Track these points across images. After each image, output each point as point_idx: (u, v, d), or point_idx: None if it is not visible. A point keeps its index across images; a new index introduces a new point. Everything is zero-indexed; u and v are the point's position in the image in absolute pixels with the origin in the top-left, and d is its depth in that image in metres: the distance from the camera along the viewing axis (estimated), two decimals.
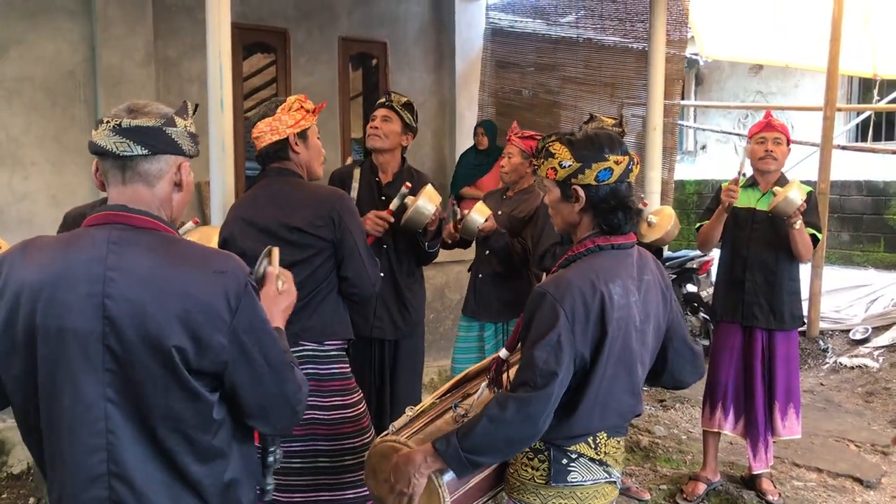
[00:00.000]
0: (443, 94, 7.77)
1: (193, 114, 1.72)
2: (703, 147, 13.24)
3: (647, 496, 4.14)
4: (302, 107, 2.81)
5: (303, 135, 2.80)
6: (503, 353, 2.15)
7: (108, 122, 1.61)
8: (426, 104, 7.64)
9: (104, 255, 1.55)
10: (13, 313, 1.55)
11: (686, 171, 12.52)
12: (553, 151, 2.05)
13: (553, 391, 1.90)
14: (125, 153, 1.60)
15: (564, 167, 2.02)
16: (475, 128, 6.99)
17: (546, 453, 2.04)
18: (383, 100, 3.52)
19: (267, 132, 2.76)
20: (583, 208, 2.04)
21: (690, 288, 7.42)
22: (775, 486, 4.20)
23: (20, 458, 4.35)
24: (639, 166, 2.10)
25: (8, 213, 5.31)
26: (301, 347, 2.70)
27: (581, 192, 2.02)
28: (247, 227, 2.75)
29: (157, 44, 5.94)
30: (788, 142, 3.91)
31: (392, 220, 3.24)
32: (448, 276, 5.78)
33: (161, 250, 1.58)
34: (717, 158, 12.27)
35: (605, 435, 2.07)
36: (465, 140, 7.60)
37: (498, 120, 7.40)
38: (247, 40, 6.68)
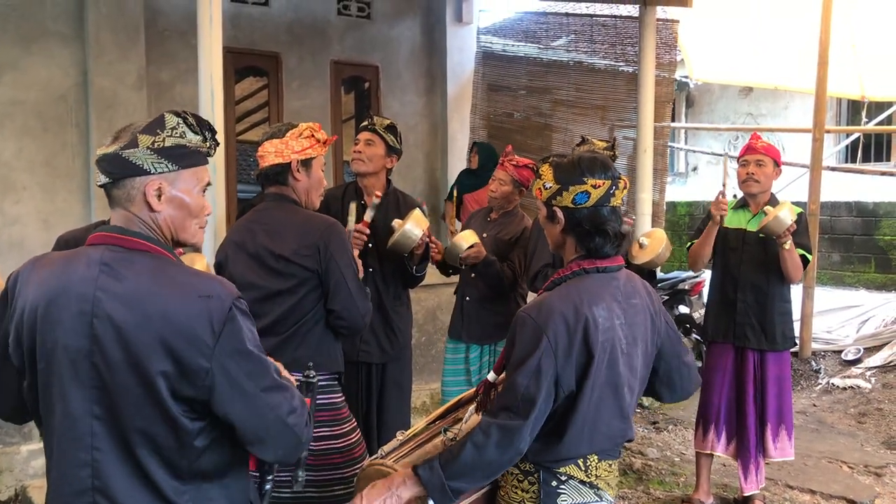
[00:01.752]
0: (434, 117, 7.80)
1: (194, 123, 1.67)
2: (695, 168, 13.30)
3: None
4: (313, 135, 2.79)
5: (307, 163, 2.77)
6: (491, 376, 2.14)
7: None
8: (418, 127, 7.68)
9: (95, 275, 1.57)
10: (20, 329, 1.61)
11: (677, 192, 12.58)
12: (541, 172, 2.09)
13: (533, 417, 1.90)
14: (99, 183, 1.66)
15: (547, 188, 2.06)
16: (470, 148, 7.06)
17: (536, 475, 2.04)
18: (366, 123, 3.52)
19: (271, 153, 2.74)
20: (563, 230, 2.06)
21: (682, 309, 7.43)
22: None
23: (8, 483, 4.31)
24: (625, 190, 2.10)
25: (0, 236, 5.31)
26: None
27: (559, 214, 2.05)
28: (237, 252, 2.74)
29: (149, 68, 5.97)
30: (777, 163, 3.93)
31: (368, 232, 3.23)
32: (440, 299, 5.77)
33: (149, 273, 1.58)
34: (709, 180, 12.33)
35: (595, 458, 2.06)
36: (456, 162, 7.64)
37: (491, 142, 7.43)
38: (239, 64, 6.71)
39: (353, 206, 3.23)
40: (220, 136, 3.86)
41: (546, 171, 2.07)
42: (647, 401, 6.24)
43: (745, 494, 4.11)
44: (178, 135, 1.64)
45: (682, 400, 2.35)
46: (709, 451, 4.11)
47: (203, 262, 2.48)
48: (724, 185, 3.95)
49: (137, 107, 5.80)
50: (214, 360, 1.55)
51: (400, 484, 1.96)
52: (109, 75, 5.67)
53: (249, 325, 1.63)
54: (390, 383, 3.53)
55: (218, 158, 3.86)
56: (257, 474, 1.82)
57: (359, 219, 3.26)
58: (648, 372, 2.16)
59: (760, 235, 3.86)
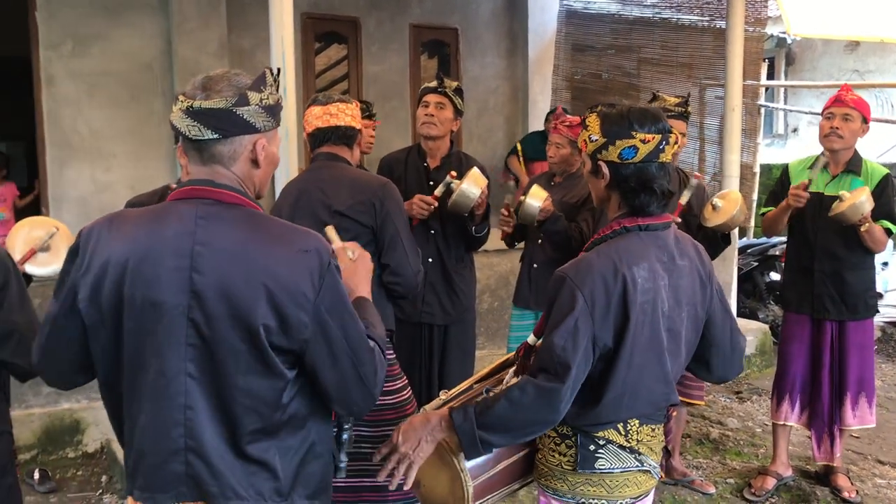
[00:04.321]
0: (515, 79, 7.66)
1: (276, 80, 1.67)
2: (795, 130, 12.66)
3: (712, 490, 4.00)
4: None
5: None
6: (531, 338, 2.09)
7: (182, 101, 1.58)
8: (498, 90, 7.56)
9: (192, 229, 1.55)
10: (99, 285, 1.56)
11: (776, 154, 12.01)
12: (588, 123, 2.00)
13: (571, 378, 1.84)
14: (197, 137, 1.58)
15: (592, 141, 1.96)
16: (548, 114, 6.87)
17: (573, 439, 1.98)
18: (435, 85, 3.48)
19: (349, 115, 2.82)
20: (608, 185, 1.97)
21: (773, 276, 7.14)
22: (853, 483, 4.00)
23: (94, 437, 4.56)
24: (676, 146, 1.99)
25: (91, 203, 5.54)
26: None
27: (605, 169, 1.95)
28: (294, 210, 2.78)
29: (230, 36, 6.08)
30: (866, 119, 3.67)
31: (436, 203, 3.22)
32: (513, 264, 5.67)
33: (247, 227, 1.58)
34: (809, 141, 11.70)
35: (636, 422, 1.99)
36: (538, 125, 7.47)
37: (572, 104, 7.26)
38: (319, 30, 6.76)
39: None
40: (292, 100, 3.96)
41: (593, 121, 1.97)
42: None
43: (819, 464, 3.94)
44: (275, 92, 1.66)
45: (726, 380, 2.23)
46: (783, 422, 3.95)
47: None
48: (817, 167, 3.70)
49: None
50: (313, 314, 1.56)
51: (436, 425, 1.95)
52: (192, 44, 5.81)
53: (341, 280, 1.64)
54: (453, 345, 3.53)
55: (290, 122, 3.91)
56: (336, 425, 1.84)
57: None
58: (697, 337, 2.06)
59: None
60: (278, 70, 1.70)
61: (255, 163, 1.64)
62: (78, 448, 4.56)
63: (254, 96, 1.59)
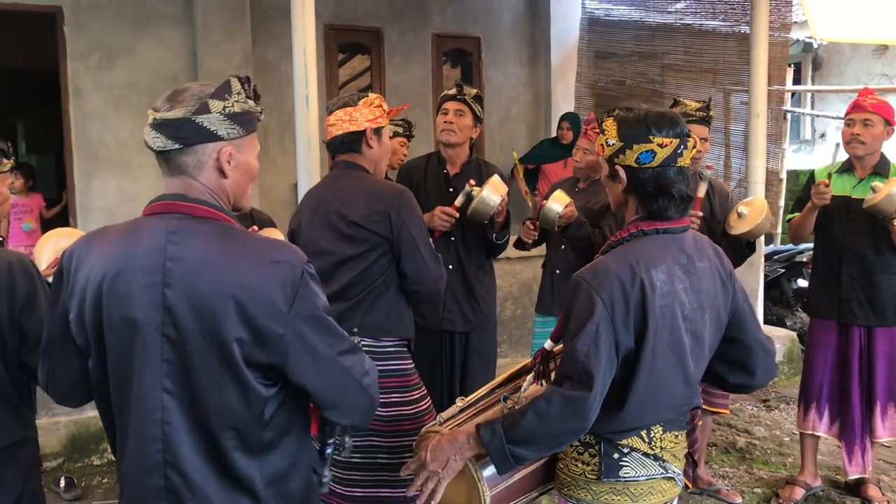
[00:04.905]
0: (538, 87, 7.66)
1: (245, 87, 1.65)
2: (823, 135, 12.50)
3: (738, 499, 3.94)
4: (381, 105, 2.81)
5: (378, 131, 2.78)
6: (548, 344, 2.08)
7: (150, 115, 1.59)
8: (521, 98, 7.57)
9: (163, 245, 1.55)
10: (83, 305, 1.58)
11: (803, 160, 11.86)
12: (605, 127, 1.98)
13: (597, 385, 1.82)
14: (161, 148, 1.58)
15: (609, 145, 1.94)
16: (560, 121, 6.84)
17: (597, 447, 1.96)
18: (454, 92, 3.48)
19: (346, 121, 2.74)
20: (625, 189, 1.95)
21: (801, 283, 7.04)
22: (884, 494, 3.92)
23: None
24: (695, 150, 1.97)
25: (117, 213, 5.61)
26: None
27: (622, 173, 1.93)
28: (311, 219, 2.78)
29: (255, 47, 6.15)
30: (889, 122, 3.61)
31: (457, 215, 3.21)
32: (535, 271, 5.67)
33: (218, 240, 1.57)
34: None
35: (660, 429, 1.97)
36: None
37: (596, 111, 7.21)
38: (342, 41, 6.81)
39: None
40: (314, 110, 3.99)
41: (610, 125, 1.96)
42: None
43: (851, 477, 3.86)
44: (242, 100, 1.64)
45: (751, 390, 2.19)
46: (810, 432, 3.88)
47: (280, 236, 2.53)
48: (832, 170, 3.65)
49: None
50: (289, 325, 1.54)
51: (464, 443, 1.93)
52: (217, 55, 5.88)
53: (319, 289, 1.63)
54: (474, 353, 3.51)
55: (312, 132, 3.94)
56: (319, 440, 1.82)
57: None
58: (719, 339, 2.03)
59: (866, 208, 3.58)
60: (247, 77, 1.68)
61: (221, 172, 1.63)
62: (103, 456, 4.60)
63: (216, 104, 1.59)
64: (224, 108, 1.59)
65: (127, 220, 1.68)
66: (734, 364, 2.10)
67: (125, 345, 1.55)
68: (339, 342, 1.62)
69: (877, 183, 3.48)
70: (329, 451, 1.83)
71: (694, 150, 1.97)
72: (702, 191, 3.47)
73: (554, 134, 7.10)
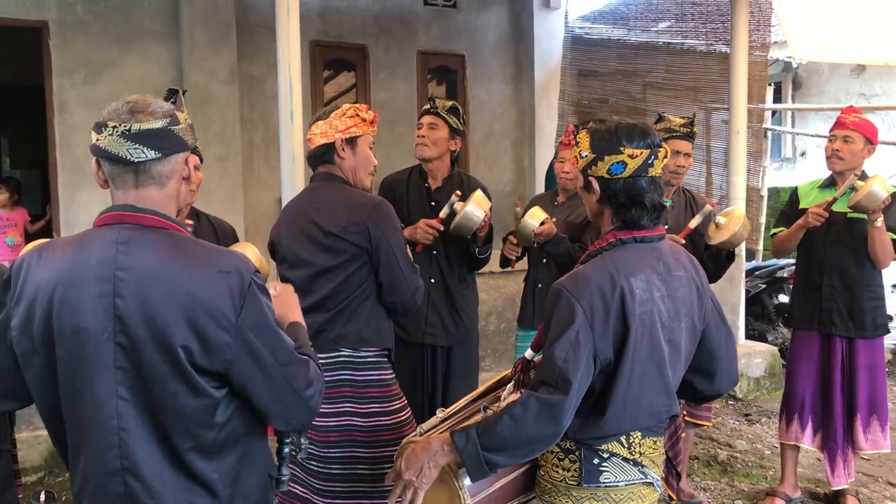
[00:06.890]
0: (522, 104, 7.74)
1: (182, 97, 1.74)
2: (803, 154, 12.66)
3: None
4: (357, 114, 2.80)
5: (351, 141, 2.77)
6: (529, 353, 2.11)
7: (113, 126, 1.59)
8: (505, 115, 7.64)
9: (113, 255, 1.57)
10: (30, 314, 1.59)
11: (785, 178, 12.01)
12: (579, 139, 2.03)
13: (573, 390, 1.84)
14: (140, 159, 1.60)
15: (583, 157, 1.99)
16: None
17: (577, 453, 1.98)
18: (428, 106, 3.52)
19: (318, 135, 2.76)
20: (599, 199, 2.00)
21: (782, 298, 7.11)
22: None
23: None
24: (666, 159, 2.01)
25: None
26: (337, 353, 2.68)
27: (595, 184, 1.98)
28: (290, 230, 2.79)
29: (240, 63, 6.18)
30: (871, 141, 3.69)
31: (441, 228, 3.23)
32: (519, 285, 5.67)
33: (168, 250, 1.60)
34: (817, 165, 11.69)
35: (639, 434, 2.00)
36: (544, 150, 7.54)
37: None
38: (327, 57, 6.86)
39: None
40: (299, 125, 4.02)
41: (583, 138, 2.00)
42: (740, 391, 6.01)
43: (834, 489, 3.89)
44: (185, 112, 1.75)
45: (717, 396, 2.23)
46: (793, 443, 3.92)
47: (254, 251, 2.51)
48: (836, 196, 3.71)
49: (230, 101, 6.02)
50: (236, 334, 1.57)
51: (437, 450, 1.94)
52: (203, 71, 5.91)
53: (266, 299, 1.65)
54: (456, 366, 3.52)
55: (297, 147, 3.97)
56: (277, 440, 1.86)
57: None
58: (694, 347, 2.07)
59: (848, 216, 3.64)
60: (184, 91, 1.78)
61: (186, 179, 1.71)
62: None
63: (181, 116, 1.68)
64: (184, 119, 1.69)
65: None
66: (697, 370, 2.12)
67: (76, 355, 1.56)
68: (283, 352, 1.65)
69: (858, 182, 3.54)
70: (286, 450, 1.86)
71: (666, 160, 2.02)
72: (694, 222, 3.52)
73: (540, 152, 7.20)
